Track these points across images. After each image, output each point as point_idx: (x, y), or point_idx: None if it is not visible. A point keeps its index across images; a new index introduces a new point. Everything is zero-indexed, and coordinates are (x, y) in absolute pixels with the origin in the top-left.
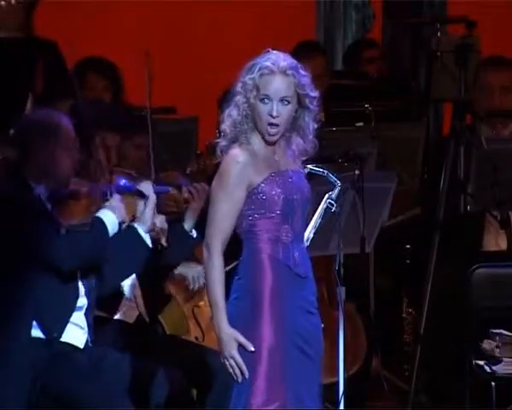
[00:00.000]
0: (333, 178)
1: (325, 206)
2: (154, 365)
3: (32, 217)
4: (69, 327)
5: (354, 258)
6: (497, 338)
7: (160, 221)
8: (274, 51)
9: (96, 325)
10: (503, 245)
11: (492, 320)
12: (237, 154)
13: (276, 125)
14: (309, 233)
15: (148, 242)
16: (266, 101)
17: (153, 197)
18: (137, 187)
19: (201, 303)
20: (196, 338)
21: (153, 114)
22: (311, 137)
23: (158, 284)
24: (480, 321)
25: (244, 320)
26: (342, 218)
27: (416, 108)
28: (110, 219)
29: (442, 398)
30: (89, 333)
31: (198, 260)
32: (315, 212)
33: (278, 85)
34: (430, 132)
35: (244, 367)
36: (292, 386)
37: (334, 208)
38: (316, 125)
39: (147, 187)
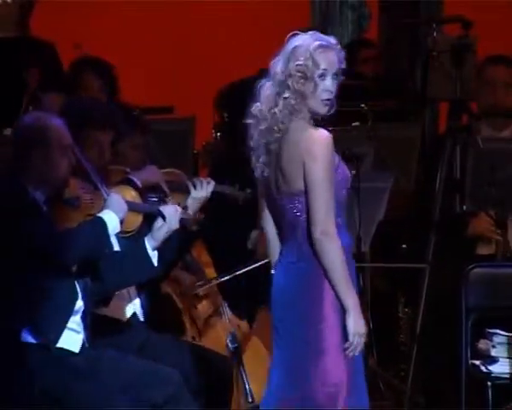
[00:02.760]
0: None
1: None
2: (152, 365)
3: (27, 221)
4: (64, 332)
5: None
6: (493, 338)
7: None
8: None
9: (93, 324)
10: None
11: (488, 320)
12: (325, 132)
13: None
14: None
15: (154, 260)
16: (324, 77)
17: (174, 225)
18: (162, 211)
19: (198, 303)
20: (193, 338)
21: (150, 113)
22: None
23: (154, 283)
24: (476, 321)
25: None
26: None
27: (412, 108)
28: (110, 217)
29: (438, 398)
30: (85, 335)
31: (197, 261)
32: None
33: (334, 59)
34: (426, 132)
35: None
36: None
37: None
38: None
39: (170, 212)
